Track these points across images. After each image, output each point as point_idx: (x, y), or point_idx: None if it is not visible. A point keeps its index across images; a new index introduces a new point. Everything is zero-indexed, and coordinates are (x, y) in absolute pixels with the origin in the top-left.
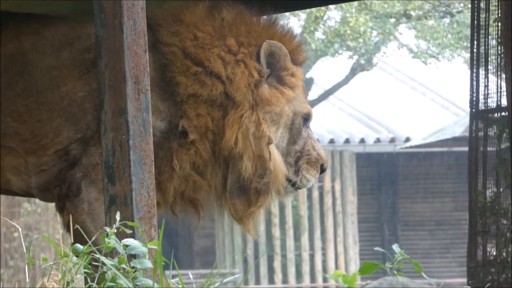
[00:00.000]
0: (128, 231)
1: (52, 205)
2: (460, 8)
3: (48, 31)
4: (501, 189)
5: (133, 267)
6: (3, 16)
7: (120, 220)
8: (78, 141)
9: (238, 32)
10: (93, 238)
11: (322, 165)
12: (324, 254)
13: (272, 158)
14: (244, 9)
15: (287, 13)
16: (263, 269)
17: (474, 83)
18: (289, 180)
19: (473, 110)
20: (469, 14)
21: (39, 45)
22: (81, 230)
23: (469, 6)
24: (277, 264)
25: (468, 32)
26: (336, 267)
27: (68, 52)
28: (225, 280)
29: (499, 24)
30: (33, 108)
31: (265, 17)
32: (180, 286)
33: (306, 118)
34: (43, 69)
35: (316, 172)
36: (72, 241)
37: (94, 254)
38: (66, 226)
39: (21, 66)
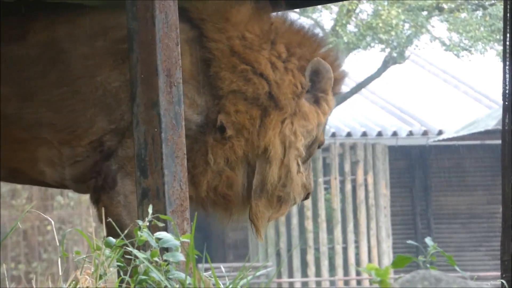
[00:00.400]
0: (161, 224)
1: (85, 198)
2: (493, 1)
3: (83, 20)
4: None
5: (165, 260)
6: (37, 5)
7: (153, 213)
8: (112, 132)
9: (289, 41)
10: (126, 231)
11: (308, 193)
12: (357, 247)
13: (299, 171)
14: (294, 20)
15: (319, 6)
16: (296, 262)
17: (507, 75)
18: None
19: (506, 102)
20: (502, 6)
21: (73, 34)
22: (116, 223)
23: None
24: (310, 257)
25: (500, 24)
26: (369, 260)
27: (103, 41)
28: (258, 273)
29: None
30: (67, 98)
31: (317, 33)
32: (212, 279)
33: (320, 146)
34: (77, 58)
35: (303, 196)
36: (106, 233)
37: (127, 247)
38: (101, 218)
39: (54, 55)
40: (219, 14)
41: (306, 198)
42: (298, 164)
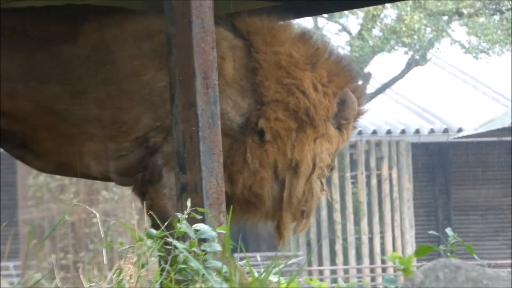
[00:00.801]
0: (199, 217)
1: (128, 193)
2: (509, 6)
3: (130, 23)
4: None
5: (203, 250)
6: (85, 9)
7: (191, 207)
8: (157, 129)
9: (330, 68)
10: (167, 223)
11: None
12: (382, 238)
13: (320, 189)
14: (335, 50)
15: (346, 12)
16: (325, 252)
17: None
18: None
19: None
20: None
21: (121, 36)
22: (162, 214)
23: None
24: (338, 247)
25: None
26: (394, 249)
27: (150, 43)
28: (290, 262)
29: None
30: (114, 96)
31: (352, 68)
32: (247, 267)
33: (331, 170)
34: (125, 59)
35: None
36: (150, 224)
37: (167, 238)
38: (146, 210)
39: (103, 55)
40: (266, 30)
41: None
42: (321, 183)
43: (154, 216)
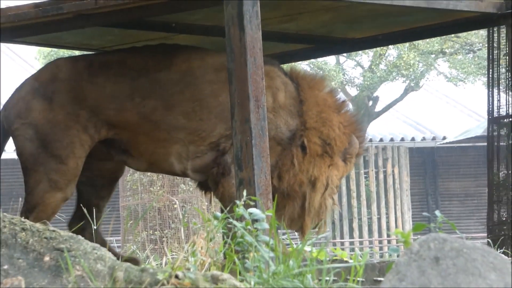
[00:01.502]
0: (252, 203)
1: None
2: (480, 47)
3: (210, 58)
4: (510, 171)
5: (255, 228)
6: (175, 46)
7: (246, 196)
8: (226, 137)
9: (348, 118)
10: (228, 208)
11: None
12: (387, 218)
13: (331, 204)
14: (350, 105)
15: (359, 51)
16: (346, 228)
17: (490, 98)
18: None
19: (490, 117)
20: (486, 51)
21: (203, 66)
22: (230, 199)
23: (486, 45)
24: (355, 225)
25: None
26: (396, 226)
27: (224, 73)
28: (319, 236)
29: (507, 57)
30: (197, 110)
31: (361, 121)
32: (288, 241)
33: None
34: (206, 83)
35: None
36: (219, 209)
37: (229, 219)
38: (220, 195)
39: (190, 79)
40: (309, 78)
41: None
42: (332, 200)
43: (224, 200)
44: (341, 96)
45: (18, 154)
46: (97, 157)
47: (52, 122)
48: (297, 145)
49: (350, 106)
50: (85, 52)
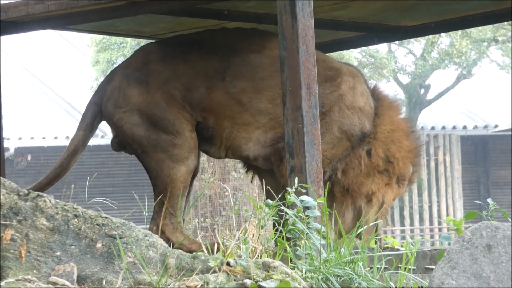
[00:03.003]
0: (303, 191)
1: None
2: None
3: None
4: None
5: (307, 215)
6: (268, 32)
7: (298, 183)
8: None
9: (413, 145)
10: (279, 196)
11: None
12: (438, 206)
13: (383, 224)
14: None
15: (412, 39)
16: (397, 216)
17: None
18: None
19: None
20: None
21: None
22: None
23: None
24: (406, 213)
25: None
26: (447, 214)
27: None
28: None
29: None
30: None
31: (420, 153)
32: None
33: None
34: None
35: None
36: (265, 197)
37: (280, 207)
38: (283, 171)
39: (279, 66)
40: (390, 99)
41: None
42: (386, 219)
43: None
44: (413, 124)
45: (129, 144)
46: None
47: (153, 103)
48: (364, 149)
49: (420, 137)
50: (137, 40)
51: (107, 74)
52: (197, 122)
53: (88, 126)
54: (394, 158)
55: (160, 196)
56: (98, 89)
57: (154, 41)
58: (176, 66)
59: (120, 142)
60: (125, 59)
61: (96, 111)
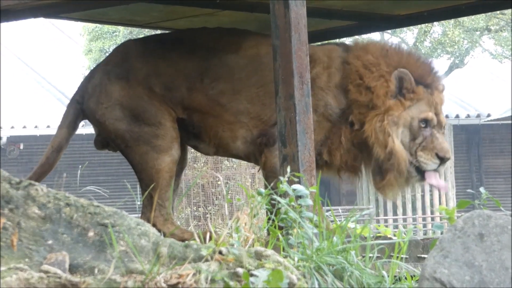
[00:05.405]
0: (296, 180)
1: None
2: None
3: None
4: None
5: (299, 204)
6: (246, 31)
7: (290, 172)
8: None
9: (390, 60)
10: (271, 184)
11: (436, 153)
12: (431, 195)
13: (395, 146)
14: (400, 46)
15: (404, 28)
16: (389, 205)
17: None
18: (410, 163)
19: None
20: None
21: (271, 53)
22: (272, 169)
23: None
24: (398, 202)
25: None
26: (440, 203)
27: None
28: (363, 213)
29: None
30: (261, 95)
31: (410, 51)
32: (331, 217)
33: (424, 121)
34: (271, 70)
35: (430, 157)
36: (263, 186)
37: (273, 195)
38: (262, 165)
39: (256, 65)
40: (361, 45)
41: (440, 159)
42: (394, 142)
43: (265, 170)
44: (389, 46)
45: (112, 140)
46: None
47: (134, 97)
48: (345, 122)
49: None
50: (129, 28)
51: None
52: (181, 119)
53: (71, 124)
54: (374, 97)
55: (148, 190)
56: (80, 88)
57: (134, 38)
58: (156, 64)
59: (104, 140)
60: (106, 56)
61: (78, 109)
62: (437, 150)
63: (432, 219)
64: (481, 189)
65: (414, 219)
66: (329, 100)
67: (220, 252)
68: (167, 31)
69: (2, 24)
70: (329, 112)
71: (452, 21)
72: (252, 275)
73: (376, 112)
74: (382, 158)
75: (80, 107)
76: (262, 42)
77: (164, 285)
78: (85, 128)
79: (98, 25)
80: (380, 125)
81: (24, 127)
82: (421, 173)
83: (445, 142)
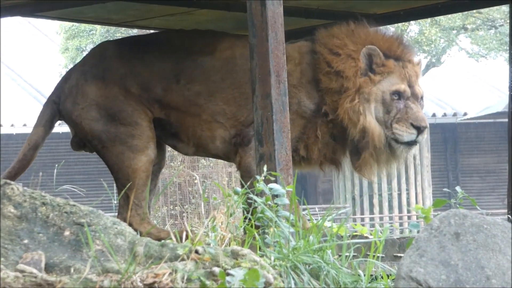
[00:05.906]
0: (272, 179)
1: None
2: (502, 22)
3: None
4: None
5: (275, 203)
6: (221, 32)
7: (266, 171)
8: None
9: (357, 39)
10: (248, 184)
11: (411, 123)
12: (408, 194)
13: (365, 123)
14: (365, 23)
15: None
16: (366, 204)
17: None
18: (387, 137)
19: (510, 93)
20: (508, 26)
21: (245, 55)
22: (247, 168)
23: (508, 21)
24: (375, 201)
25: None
26: (416, 202)
27: None
28: (339, 212)
29: None
30: (236, 96)
31: (376, 28)
32: (308, 216)
33: (396, 93)
34: (246, 71)
35: (405, 128)
36: (240, 185)
37: (249, 194)
38: (237, 165)
39: (232, 67)
40: (327, 31)
41: (416, 128)
42: (366, 119)
43: (240, 169)
44: (355, 26)
45: (89, 140)
46: None
47: (111, 97)
48: (321, 115)
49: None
50: (106, 27)
51: (76, 61)
52: (159, 118)
53: (47, 123)
54: (344, 80)
55: (123, 190)
56: (56, 88)
57: (111, 39)
58: (133, 65)
59: (80, 141)
60: (83, 57)
61: (55, 110)
62: (412, 120)
63: (409, 218)
64: (457, 188)
65: (391, 218)
66: (302, 97)
67: (197, 251)
68: (143, 30)
69: None
70: (303, 109)
71: (428, 20)
72: (228, 274)
73: (348, 94)
74: (357, 138)
75: (56, 107)
76: (237, 44)
77: (140, 284)
78: (62, 127)
79: (74, 23)
80: (350, 105)
81: (0, 125)
82: (403, 144)
83: (420, 111)
